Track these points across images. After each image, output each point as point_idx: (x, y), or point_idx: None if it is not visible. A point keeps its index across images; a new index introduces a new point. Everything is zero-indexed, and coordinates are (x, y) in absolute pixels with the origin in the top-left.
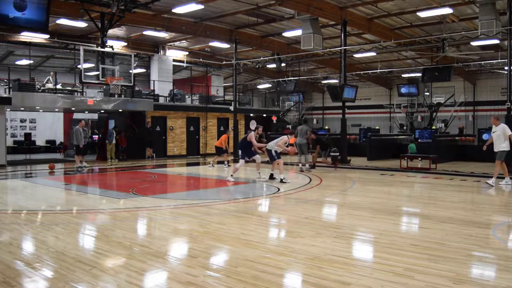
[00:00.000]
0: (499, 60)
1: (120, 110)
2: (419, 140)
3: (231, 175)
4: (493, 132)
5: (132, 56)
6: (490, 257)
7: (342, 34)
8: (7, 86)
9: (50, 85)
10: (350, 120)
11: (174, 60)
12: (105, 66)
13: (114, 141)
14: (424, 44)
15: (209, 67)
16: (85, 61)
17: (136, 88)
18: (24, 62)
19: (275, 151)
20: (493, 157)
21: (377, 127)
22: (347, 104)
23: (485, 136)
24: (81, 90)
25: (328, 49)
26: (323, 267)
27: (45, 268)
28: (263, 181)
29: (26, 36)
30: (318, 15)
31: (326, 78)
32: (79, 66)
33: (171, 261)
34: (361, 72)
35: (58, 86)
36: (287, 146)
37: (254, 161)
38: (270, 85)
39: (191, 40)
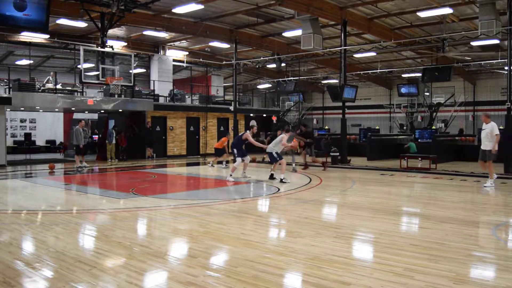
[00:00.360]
0: (499, 60)
1: (120, 110)
2: (419, 140)
3: (230, 175)
4: (483, 130)
5: (132, 56)
6: (490, 257)
7: (342, 34)
8: (7, 86)
9: (50, 85)
10: (350, 120)
11: (174, 60)
12: (105, 66)
13: (114, 141)
14: (424, 44)
15: (209, 67)
16: (85, 61)
17: (136, 88)
18: (24, 62)
19: (276, 152)
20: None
21: (377, 127)
22: (347, 104)
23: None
24: (81, 90)
25: (328, 49)
26: (323, 267)
27: (45, 268)
28: (248, 179)
29: (26, 36)
30: (318, 15)
31: (326, 78)
32: (79, 66)
33: (171, 261)
34: (361, 72)
35: (58, 86)
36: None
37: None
38: (270, 85)
39: (191, 40)
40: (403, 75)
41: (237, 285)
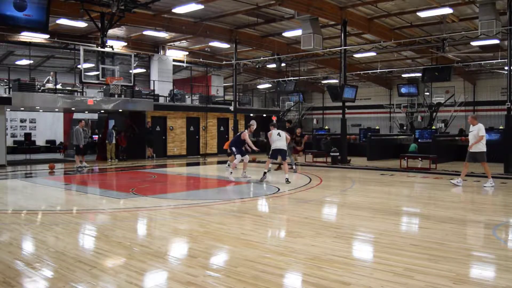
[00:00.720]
0: (499, 60)
1: (120, 110)
2: (419, 140)
3: (231, 173)
4: (470, 132)
5: (132, 56)
6: (490, 257)
7: (342, 34)
8: (7, 86)
9: (50, 85)
10: (350, 120)
11: (174, 60)
12: (105, 66)
13: (114, 141)
14: (424, 44)
15: (209, 67)
16: (85, 61)
17: (136, 88)
18: (24, 62)
19: (287, 150)
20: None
21: (377, 127)
22: (347, 104)
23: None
24: (81, 90)
25: (328, 49)
26: (323, 267)
27: (45, 268)
28: (249, 179)
29: (26, 36)
30: (318, 15)
31: (326, 78)
32: (79, 66)
33: (171, 261)
34: (361, 72)
35: (58, 86)
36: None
37: (242, 160)
38: (270, 85)
39: (191, 40)
40: (403, 75)
41: (237, 285)
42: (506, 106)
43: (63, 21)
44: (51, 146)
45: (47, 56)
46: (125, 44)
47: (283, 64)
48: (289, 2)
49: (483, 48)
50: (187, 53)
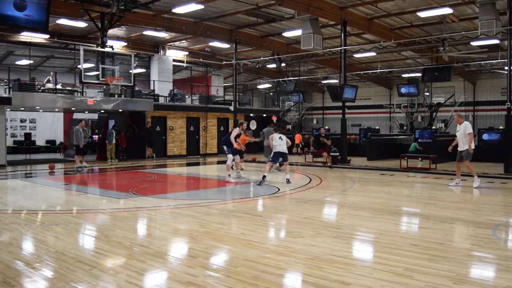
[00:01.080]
0: (499, 60)
1: (120, 110)
2: (419, 140)
3: (229, 175)
4: (457, 131)
5: (132, 56)
6: (490, 257)
7: (342, 34)
8: (7, 86)
9: (50, 85)
10: (350, 120)
11: (174, 60)
12: (105, 66)
13: (114, 141)
14: (424, 44)
15: (209, 67)
16: (85, 61)
17: (136, 88)
18: (24, 62)
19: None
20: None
21: (377, 127)
22: (347, 104)
23: (484, 136)
24: (81, 90)
25: (328, 49)
26: (323, 267)
27: (45, 268)
28: (244, 180)
29: (26, 36)
30: (318, 15)
31: (326, 78)
32: (79, 66)
33: (171, 261)
34: (361, 72)
35: (58, 86)
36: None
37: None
38: (270, 85)
39: (191, 40)
40: (403, 75)
41: (237, 285)
42: (506, 106)
43: (63, 21)
44: (51, 146)
45: (47, 56)
46: (125, 44)
47: (283, 64)
48: (289, 2)
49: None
50: (187, 53)
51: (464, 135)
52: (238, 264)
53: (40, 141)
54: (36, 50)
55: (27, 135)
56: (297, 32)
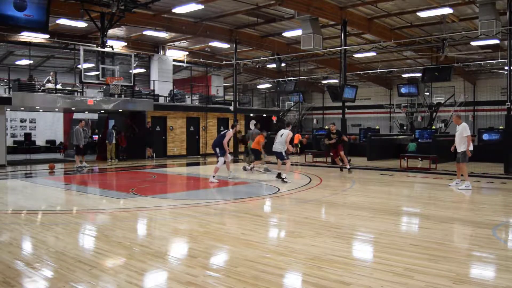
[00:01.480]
0: (499, 60)
1: (120, 110)
2: (419, 140)
3: (213, 176)
4: (456, 132)
5: (132, 56)
6: (490, 257)
7: (342, 34)
8: (7, 86)
9: (50, 85)
10: (350, 120)
11: (174, 60)
12: (105, 66)
13: (114, 141)
14: (424, 44)
15: (209, 67)
16: (85, 61)
17: (136, 88)
18: (24, 62)
19: (285, 151)
20: (490, 157)
21: (377, 127)
22: (347, 104)
23: (484, 136)
24: (81, 90)
25: (328, 49)
26: (323, 267)
27: (45, 268)
28: (235, 179)
29: (26, 36)
30: (318, 15)
31: (326, 78)
32: (79, 66)
33: (171, 261)
34: (361, 72)
35: (58, 86)
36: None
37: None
38: (270, 85)
39: (191, 40)
40: (403, 75)
41: (237, 285)
42: (506, 106)
43: (63, 21)
44: (51, 146)
45: (47, 56)
46: (125, 44)
47: (283, 64)
48: (289, 2)
49: (483, 48)
50: (187, 53)
51: (460, 137)
52: (238, 264)
53: (40, 141)
54: (36, 50)
55: (27, 135)
56: (297, 32)
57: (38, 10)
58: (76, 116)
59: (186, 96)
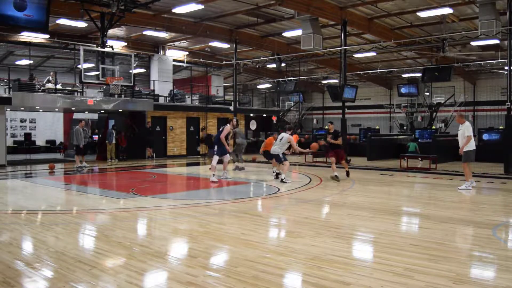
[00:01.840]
0: (499, 60)
1: (120, 110)
2: (419, 140)
3: (213, 175)
4: (459, 131)
5: (132, 56)
6: (490, 257)
7: (342, 34)
8: (7, 86)
9: (50, 85)
10: (350, 120)
11: (174, 60)
12: (105, 66)
13: (114, 141)
14: (424, 44)
15: (209, 67)
16: (85, 61)
17: (136, 88)
18: (24, 62)
19: (283, 154)
20: (490, 157)
21: (377, 127)
22: (347, 104)
23: (484, 136)
24: (81, 90)
25: (328, 49)
26: (323, 267)
27: (45, 268)
28: (229, 180)
29: (26, 36)
30: (318, 15)
31: (326, 78)
32: (79, 66)
33: (171, 261)
34: (361, 72)
35: (58, 86)
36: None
37: (221, 161)
38: (270, 85)
39: (191, 40)
40: (403, 75)
41: (237, 285)
42: (506, 106)
43: (63, 21)
44: (51, 146)
45: (47, 56)
46: (125, 44)
47: (283, 64)
48: (289, 2)
49: (483, 48)
50: (187, 53)
51: (463, 136)
52: (238, 264)
53: (40, 141)
54: (36, 50)
55: (27, 135)
56: (297, 32)
57: (38, 10)
58: (76, 116)
59: (186, 96)
